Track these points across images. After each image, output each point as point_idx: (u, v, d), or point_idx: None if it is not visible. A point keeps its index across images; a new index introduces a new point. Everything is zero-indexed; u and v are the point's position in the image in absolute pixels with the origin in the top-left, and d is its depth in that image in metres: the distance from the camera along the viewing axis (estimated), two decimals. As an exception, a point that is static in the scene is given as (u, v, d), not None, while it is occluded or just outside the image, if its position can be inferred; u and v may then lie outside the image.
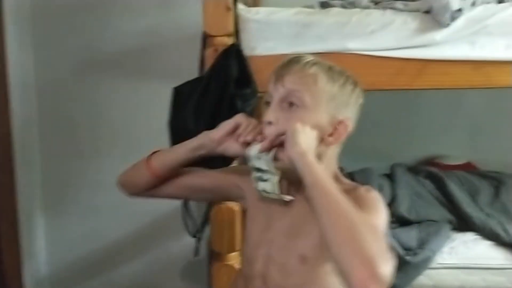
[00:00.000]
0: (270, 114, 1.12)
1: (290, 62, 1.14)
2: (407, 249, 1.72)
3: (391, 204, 1.87)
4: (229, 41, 1.63)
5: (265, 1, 2.59)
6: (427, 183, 2.00)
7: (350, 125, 1.16)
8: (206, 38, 1.66)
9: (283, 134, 1.10)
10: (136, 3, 2.10)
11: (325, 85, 1.12)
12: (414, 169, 2.14)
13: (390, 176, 2.05)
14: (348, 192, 1.08)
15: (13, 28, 1.98)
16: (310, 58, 1.15)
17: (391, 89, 1.65)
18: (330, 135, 1.13)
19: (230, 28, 1.62)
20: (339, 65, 1.60)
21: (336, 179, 1.17)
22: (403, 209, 1.85)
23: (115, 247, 2.25)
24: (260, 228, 1.19)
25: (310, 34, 1.63)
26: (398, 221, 1.84)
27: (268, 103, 1.15)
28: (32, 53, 2.12)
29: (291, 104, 1.11)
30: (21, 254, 2.03)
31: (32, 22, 2.11)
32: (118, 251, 2.25)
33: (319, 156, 1.11)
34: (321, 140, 1.12)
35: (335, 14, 1.67)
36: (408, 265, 1.68)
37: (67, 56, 2.14)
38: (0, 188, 1.91)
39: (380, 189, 1.89)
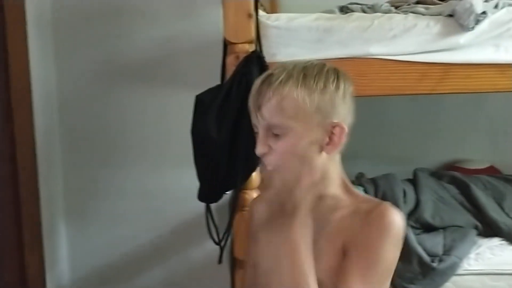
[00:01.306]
0: (260, 147, 1.08)
1: (262, 87, 1.08)
2: (432, 255, 1.69)
3: (415, 210, 1.85)
4: (250, 48, 1.63)
5: (283, 7, 2.60)
6: (451, 188, 1.97)
7: (346, 124, 1.09)
8: (227, 46, 1.66)
9: (278, 161, 1.08)
10: (157, 12, 2.10)
11: (304, 101, 1.05)
12: (437, 174, 2.12)
13: (413, 182, 2.03)
14: (360, 211, 1.07)
15: (35, 40, 2.00)
16: (280, 74, 1.07)
17: (415, 94, 1.64)
18: (328, 143, 1.08)
19: (251, 35, 1.62)
20: (361, 70, 1.63)
21: (346, 190, 1.14)
22: (428, 215, 1.83)
23: (137, 255, 2.25)
24: (274, 243, 1.12)
25: (331, 40, 1.63)
26: (423, 227, 1.82)
27: (257, 133, 1.11)
28: (53, 64, 2.14)
29: (276, 133, 1.07)
30: (44, 262, 2.04)
31: (53, 33, 2.13)
32: (140, 259, 2.25)
33: (323, 170, 1.08)
34: (321, 151, 1.08)
35: (356, 18, 1.66)
36: (434, 271, 1.66)
37: (89, 66, 2.15)
38: (24, 198, 1.92)
39: (404, 195, 1.87)
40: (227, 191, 1.75)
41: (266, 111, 1.06)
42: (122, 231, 2.23)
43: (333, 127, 1.07)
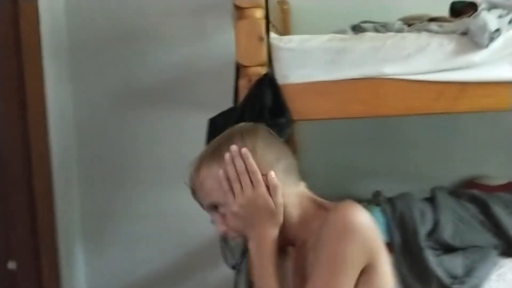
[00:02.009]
0: (219, 226, 1.12)
1: (192, 170, 1.14)
2: (453, 277, 1.66)
3: (434, 230, 1.81)
4: (262, 71, 1.63)
5: (295, 28, 2.60)
6: (470, 206, 1.93)
7: (271, 170, 1.10)
8: (240, 69, 1.66)
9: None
10: (171, 35, 2.12)
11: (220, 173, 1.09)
12: (456, 193, 2.08)
13: (431, 201, 1.99)
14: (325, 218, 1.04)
15: (51, 63, 2.03)
16: (194, 162, 1.14)
17: (431, 114, 1.61)
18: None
19: (263, 58, 1.62)
20: (375, 91, 1.62)
21: (317, 207, 1.13)
22: (447, 236, 1.79)
23: (154, 278, 2.25)
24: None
25: (345, 60, 1.62)
26: (442, 247, 1.78)
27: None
28: (69, 87, 2.17)
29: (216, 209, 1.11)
30: (62, 287, 2.04)
31: (69, 58, 2.16)
32: (156, 282, 2.25)
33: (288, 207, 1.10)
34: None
35: (369, 39, 1.66)
36: (455, 294, 1.62)
37: (104, 90, 2.18)
38: (41, 221, 1.93)
39: (422, 215, 1.84)
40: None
41: (202, 196, 1.12)
42: (139, 254, 2.23)
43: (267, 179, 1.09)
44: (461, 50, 1.56)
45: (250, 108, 1.58)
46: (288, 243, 1.14)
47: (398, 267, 1.72)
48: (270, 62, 1.65)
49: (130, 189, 2.21)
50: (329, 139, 2.51)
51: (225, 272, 2.15)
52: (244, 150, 1.09)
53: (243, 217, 1.09)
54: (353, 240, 1.00)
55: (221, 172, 1.08)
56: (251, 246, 1.11)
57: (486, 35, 1.50)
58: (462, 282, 1.64)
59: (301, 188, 1.17)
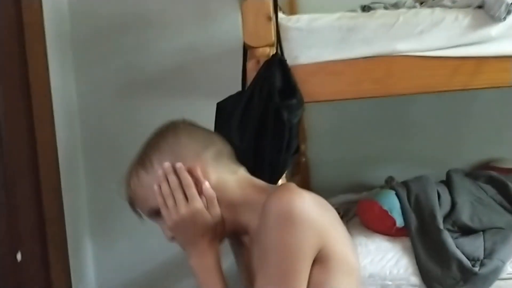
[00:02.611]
0: (165, 233, 1.15)
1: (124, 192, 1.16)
2: (473, 259, 1.60)
3: (451, 212, 1.76)
4: (271, 51, 1.58)
5: (301, 8, 2.55)
6: (488, 188, 1.88)
7: (196, 161, 1.10)
8: (247, 50, 1.61)
9: None
10: (174, 21, 2.08)
11: (147, 178, 1.10)
12: (472, 175, 2.03)
13: (447, 183, 1.94)
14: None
15: (55, 52, 1.99)
16: (127, 175, 1.16)
17: (447, 91, 1.56)
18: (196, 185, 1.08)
19: (272, 38, 1.57)
20: (388, 69, 1.56)
21: (258, 192, 1.09)
22: (465, 217, 1.74)
23: (163, 269, 2.21)
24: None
25: (356, 38, 1.56)
26: (460, 230, 1.73)
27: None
28: (73, 77, 2.13)
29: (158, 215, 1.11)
30: (71, 280, 2.02)
31: (72, 47, 2.13)
32: (166, 273, 2.21)
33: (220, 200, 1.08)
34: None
35: (381, 16, 1.60)
36: (476, 277, 1.56)
37: (108, 78, 2.14)
38: (48, 213, 1.90)
39: (439, 197, 1.79)
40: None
41: (139, 207, 1.15)
42: (148, 246, 2.20)
43: (188, 171, 1.08)
44: (477, 24, 1.50)
45: (259, 90, 1.53)
46: (241, 232, 1.10)
47: (415, 251, 1.68)
48: (278, 43, 1.61)
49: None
50: (338, 125, 2.47)
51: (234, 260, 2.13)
52: (178, 165, 1.07)
53: (178, 233, 1.09)
54: (296, 229, 0.92)
55: (155, 187, 1.07)
56: (192, 263, 1.11)
57: (503, 8, 1.44)
58: (484, 264, 1.59)
59: (241, 173, 1.15)
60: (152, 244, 2.20)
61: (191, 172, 1.08)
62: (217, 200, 1.08)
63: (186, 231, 1.08)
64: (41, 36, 1.92)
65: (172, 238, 1.13)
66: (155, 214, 1.11)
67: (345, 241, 1.03)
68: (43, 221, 1.88)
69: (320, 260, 0.95)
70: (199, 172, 1.08)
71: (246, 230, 1.09)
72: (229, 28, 2.04)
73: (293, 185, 1.01)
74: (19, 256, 1.75)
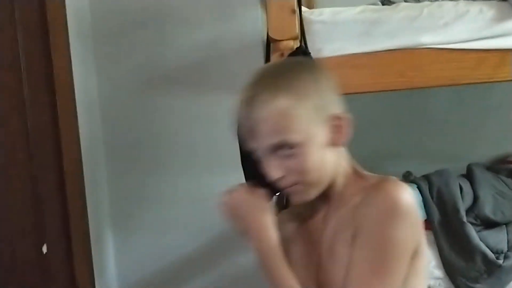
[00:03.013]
0: (274, 171, 0.99)
1: (249, 111, 0.97)
2: (497, 252, 1.61)
3: (474, 205, 1.76)
4: (295, 44, 1.59)
5: (319, 3, 2.56)
6: (510, 181, 1.88)
7: (344, 112, 1.01)
8: (271, 43, 1.62)
9: (299, 180, 1.00)
10: (194, 16, 2.08)
11: (299, 109, 0.96)
12: (493, 168, 2.03)
13: (468, 177, 1.94)
14: (369, 193, 0.96)
15: (77, 48, 2.00)
16: (260, 92, 0.97)
17: (472, 83, 1.56)
18: (335, 136, 1.00)
19: (296, 31, 1.57)
20: (412, 61, 1.57)
21: (357, 177, 1.04)
22: (488, 211, 1.74)
23: (184, 262, 2.23)
24: (301, 258, 1.08)
25: (379, 31, 1.57)
26: (483, 223, 1.73)
27: (259, 157, 1.02)
28: (94, 72, 2.14)
29: (284, 153, 0.98)
30: (94, 271, 2.04)
31: (94, 43, 2.13)
32: (187, 266, 2.22)
33: (337, 164, 1.02)
34: (333, 145, 1.00)
35: (404, 8, 1.61)
36: (500, 269, 1.57)
37: (130, 73, 2.15)
38: (72, 209, 1.92)
39: (461, 190, 1.79)
40: (276, 193, 1.70)
41: (264, 135, 0.97)
42: (169, 239, 2.21)
43: (336, 119, 0.99)
44: (502, 17, 1.51)
45: (284, 82, 1.54)
46: (319, 201, 1.04)
47: (438, 244, 1.68)
48: (302, 36, 1.61)
49: (158, 173, 2.19)
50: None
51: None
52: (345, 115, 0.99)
53: (311, 164, 0.98)
54: (404, 224, 0.92)
55: (300, 107, 0.96)
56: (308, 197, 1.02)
57: (529, -1, 1.44)
58: (507, 257, 1.60)
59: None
60: (172, 239, 2.22)
61: (344, 122, 1.00)
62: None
63: (313, 174, 0.99)
64: (64, 32, 1.94)
65: (278, 180, 1.00)
66: (277, 148, 0.97)
67: (426, 247, 1.04)
68: (67, 215, 1.90)
69: (411, 256, 0.96)
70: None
71: (328, 199, 1.05)
72: (249, 23, 2.04)
73: (396, 179, 0.99)
74: (44, 249, 1.77)
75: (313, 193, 1.02)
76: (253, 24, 2.04)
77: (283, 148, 0.97)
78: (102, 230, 2.16)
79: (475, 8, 1.54)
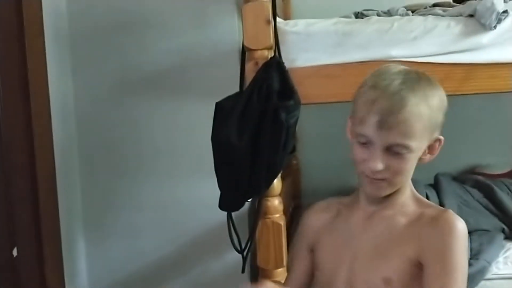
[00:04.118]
0: (379, 163, 1.07)
1: (396, 104, 1.05)
2: (461, 260, 1.65)
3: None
4: (269, 54, 1.62)
5: (296, 14, 2.61)
6: (475, 191, 1.95)
7: (442, 137, 1.13)
8: (246, 52, 1.65)
9: (389, 178, 1.10)
10: (172, 22, 2.10)
11: (430, 121, 1.08)
12: (460, 179, 2.09)
13: (435, 186, 2.00)
14: (425, 217, 1.11)
15: (53, 54, 2.00)
16: (408, 94, 1.05)
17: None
18: (427, 153, 1.13)
19: (270, 41, 1.61)
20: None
21: (412, 195, 1.18)
22: (453, 219, 1.79)
23: (156, 267, 2.23)
24: (336, 245, 1.19)
25: (351, 43, 1.62)
26: (448, 231, 1.78)
27: (363, 143, 1.10)
28: (70, 75, 2.14)
29: (397, 152, 1.07)
30: (64, 275, 2.03)
31: (70, 47, 2.13)
32: (159, 271, 2.23)
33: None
34: (421, 160, 1.13)
35: (376, 21, 1.66)
36: (463, 276, 1.62)
37: (105, 79, 2.15)
38: (43, 210, 1.91)
39: (427, 199, 1.84)
40: (249, 199, 1.73)
41: (395, 132, 1.05)
42: (140, 243, 2.21)
43: (436, 140, 1.12)
44: (469, 32, 1.57)
45: (258, 91, 1.57)
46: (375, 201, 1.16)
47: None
48: (276, 46, 1.65)
49: (131, 178, 2.19)
50: (329, 128, 2.49)
51: (227, 261, 2.15)
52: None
53: (408, 169, 1.11)
54: (465, 251, 1.09)
55: (432, 120, 1.07)
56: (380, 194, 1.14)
57: (494, 16, 1.51)
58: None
59: None
60: (144, 243, 2.22)
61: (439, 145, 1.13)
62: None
63: (402, 178, 1.11)
64: (41, 35, 1.93)
65: (375, 172, 1.08)
66: (390, 147, 1.06)
67: None
68: (38, 218, 1.88)
69: None
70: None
71: (381, 202, 1.15)
72: (226, 31, 2.07)
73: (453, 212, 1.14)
74: (15, 252, 1.76)
75: (388, 192, 1.13)
76: (230, 32, 2.07)
77: (399, 148, 1.06)
78: (73, 234, 2.15)
79: (443, 23, 1.59)
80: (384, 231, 1.14)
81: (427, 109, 1.06)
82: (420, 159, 1.12)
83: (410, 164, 1.09)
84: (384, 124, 1.05)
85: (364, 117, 1.09)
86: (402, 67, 1.14)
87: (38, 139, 1.89)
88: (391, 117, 1.05)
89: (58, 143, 2.01)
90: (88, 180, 2.19)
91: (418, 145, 1.07)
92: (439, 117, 1.10)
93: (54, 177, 1.98)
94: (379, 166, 1.07)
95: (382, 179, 1.09)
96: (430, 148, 1.12)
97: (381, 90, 1.07)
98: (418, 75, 1.11)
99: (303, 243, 1.28)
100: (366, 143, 1.09)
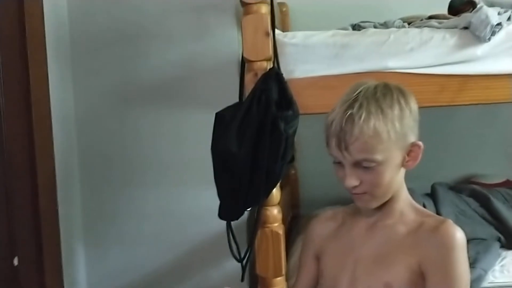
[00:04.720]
0: (351, 180, 1.12)
1: (346, 126, 1.10)
2: (457, 268, 1.67)
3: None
4: (268, 65, 1.65)
5: (294, 26, 2.64)
6: (471, 201, 1.97)
7: (419, 141, 1.16)
8: (246, 63, 1.68)
9: (368, 191, 1.14)
10: (172, 34, 2.13)
11: (389, 134, 1.10)
12: (456, 188, 2.12)
13: (432, 196, 2.02)
14: (425, 227, 1.13)
15: (54, 64, 2.02)
16: (360, 111, 1.10)
17: (434, 106, 1.65)
18: (408, 161, 1.15)
19: (269, 53, 1.64)
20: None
21: (410, 204, 1.22)
22: (449, 228, 1.81)
23: (156, 276, 2.24)
24: (339, 252, 1.23)
25: (349, 55, 1.65)
26: (445, 240, 1.80)
27: (338, 163, 1.15)
28: (71, 87, 2.16)
29: (366, 166, 1.11)
30: (64, 285, 2.03)
31: (71, 57, 2.16)
32: (158, 281, 2.23)
33: (398, 185, 1.17)
34: (404, 167, 1.16)
35: (372, 34, 1.69)
36: (460, 284, 1.63)
37: (106, 89, 2.17)
38: (44, 219, 1.92)
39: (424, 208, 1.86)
40: (248, 208, 1.75)
41: (353, 150, 1.10)
42: (140, 252, 2.22)
43: (412, 145, 1.14)
44: (463, 44, 1.60)
45: (257, 101, 1.60)
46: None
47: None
48: (275, 57, 1.68)
49: (131, 187, 2.21)
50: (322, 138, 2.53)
51: (226, 269, 2.17)
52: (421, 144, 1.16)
53: (383, 180, 1.13)
54: (465, 259, 1.13)
55: (391, 132, 1.09)
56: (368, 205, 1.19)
57: (488, 28, 1.54)
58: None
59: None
60: (143, 253, 2.23)
61: (418, 149, 1.15)
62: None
63: (381, 189, 1.14)
64: (42, 45, 1.96)
65: (353, 188, 1.13)
66: (358, 163, 1.11)
67: None
68: (39, 228, 1.89)
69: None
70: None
71: (380, 211, 1.18)
72: (226, 43, 2.10)
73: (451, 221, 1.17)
74: (15, 261, 1.77)
75: (375, 204, 1.17)
76: (229, 44, 2.10)
77: (365, 162, 1.10)
78: (73, 243, 2.16)
79: (438, 35, 1.62)
80: (385, 240, 1.17)
81: (381, 121, 1.09)
82: (404, 165, 1.15)
83: (386, 175, 1.12)
84: (341, 144, 1.10)
85: (327, 140, 1.15)
86: (365, 84, 1.16)
87: (39, 149, 1.90)
88: (345, 136, 1.10)
89: (59, 153, 2.03)
90: (88, 189, 2.21)
91: (387, 156, 1.10)
92: (406, 124, 1.12)
93: (55, 186, 2.00)
94: (353, 182, 1.12)
95: (363, 193, 1.14)
96: (410, 155, 1.14)
97: (336, 112, 1.14)
98: (376, 89, 1.14)
99: (310, 251, 1.31)
100: (339, 162, 1.14)
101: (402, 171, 1.17)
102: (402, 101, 1.13)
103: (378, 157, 1.09)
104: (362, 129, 1.08)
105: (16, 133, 1.84)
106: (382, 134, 1.09)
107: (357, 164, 1.11)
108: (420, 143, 1.15)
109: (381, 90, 1.13)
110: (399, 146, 1.12)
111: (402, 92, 1.16)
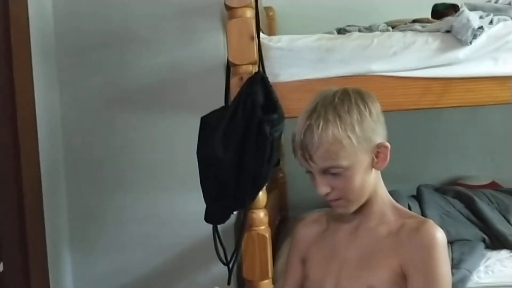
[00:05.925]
0: (322, 188, 1.15)
1: (306, 138, 1.13)
2: (442, 269, 1.69)
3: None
4: (253, 69, 1.66)
5: (280, 30, 2.65)
6: (456, 202, 1.98)
7: (385, 139, 1.17)
8: (231, 67, 1.69)
9: (342, 196, 1.16)
10: (158, 39, 2.13)
11: (349, 139, 1.11)
12: (441, 189, 2.13)
13: (417, 198, 2.04)
14: (406, 227, 1.14)
15: (40, 69, 2.01)
16: (318, 121, 1.12)
17: (417, 109, 1.66)
18: (377, 162, 1.15)
19: (254, 56, 1.65)
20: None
21: (391, 205, 1.22)
22: (435, 229, 1.83)
23: (143, 281, 2.23)
24: (324, 256, 1.24)
25: (333, 59, 1.66)
26: (430, 241, 1.82)
27: (309, 172, 1.17)
28: (57, 91, 2.15)
29: (334, 173, 1.13)
30: (50, 290, 2.03)
31: (57, 62, 2.15)
32: (146, 285, 2.22)
33: (374, 186, 1.18)
34: (374, 169, 1.17)
35: (357, 37, 1.70)
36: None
37: (92, 93, 2.16)
38: (30, 227, 1.91)
39: (409, 210, 1.88)
40: (234, 211, 1.75)
41: (317, 159, 1.12)
42: (126, 258, 2.21)
43: (379, 147, 1.15)
44: (446, 47, 1.62)
45: (243, 105, 1.61)
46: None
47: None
48: (260, 61, 1.69)
49: (117, 194, 2.20)
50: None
51: (213, 273, 2.16)
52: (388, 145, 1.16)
53: (353, 184, 1.14)
54: (446, 259, 1.13)
55: (351, 137, 1.10)
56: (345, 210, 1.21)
57: (470, 32, 1.56)
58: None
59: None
60: (131, 259, 2.22)
61: (385, 150, 1.15)
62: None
63: (354, 194, 1.15)
64: (27, 51, 1.95)
65: (327, 195, 1.15)
66: (325, 171, 1.13)
67: None
68: (24, 233, 1.88)
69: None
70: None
71: (361, 213, 1.20)
72: (212, 47, 2.10)
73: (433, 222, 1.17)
74: (1, 267, 1.76)
75: (353, 208, 1.18)
76: (215, 48, 2.10)
77: (332, 169, 1.13)
78: (60, 248, 2.15)
79: (421, 39, 1.64)
80: (368, 243, 1.18)
81: (340, 128, 1.10)
82: (374, 166, 1.16)
83: (357, 179, 1.13)
84: (305, 155, 1.13)
85: (293, 152, 1.18)
86: (325, 92, 1.18)
87: (24, 154, 1.89)
88: (308, 147, 1.12)
89: (44, 158, 2.02)
90: (74, 195, 2.19)
91: (352, 161, 1.12)
92: (367, 127, 1.13)
93: (40, 192, 1.99)
94: (324, 190, 1.15)
95: (338, 199, 1.16)
96: (378, 156, 1.15)
97: (298, 123, 1.16)
98: (334, 96, 1.15)
99: (296, 254, 1.32)
100: (310, 171, 1.17)
101: (374, 172, 1.17)
102: (361, 105, 1.14)
103: (344, 163, 1.11)
104: (322, 138, 1.10)
105: (1, 139, 1.83)
106: (342, 140, 1.10)
107: (325, 172, 1.13)
108: (387, 143, 1.16)
109: (339, 97, 1.15)
110: (364, 150, 1.13)
111: (361, 96, 1.16)
